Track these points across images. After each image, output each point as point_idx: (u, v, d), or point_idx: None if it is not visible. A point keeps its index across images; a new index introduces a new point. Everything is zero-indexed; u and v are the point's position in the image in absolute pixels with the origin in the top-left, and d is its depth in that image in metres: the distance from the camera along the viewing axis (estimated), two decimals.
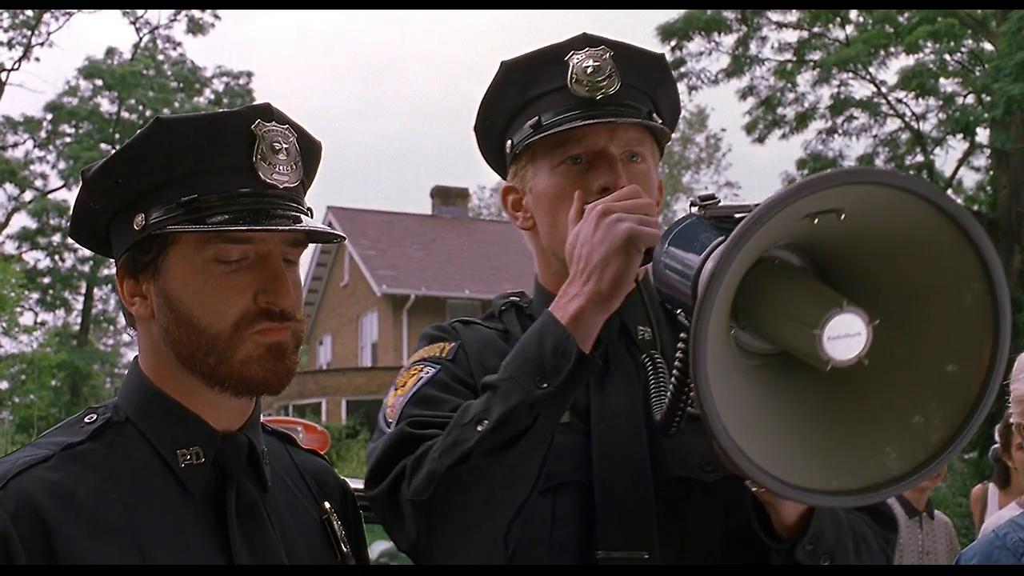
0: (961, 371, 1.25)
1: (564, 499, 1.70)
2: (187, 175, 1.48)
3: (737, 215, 1.40)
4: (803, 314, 1.22)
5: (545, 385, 1.57)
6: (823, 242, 1.29)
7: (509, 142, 1.89)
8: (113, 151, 1.54)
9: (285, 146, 1.52)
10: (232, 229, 1.46)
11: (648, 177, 1.82)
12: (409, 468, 1.61)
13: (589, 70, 1.80)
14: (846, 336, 1.18)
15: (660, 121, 1.86)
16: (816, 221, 1.18)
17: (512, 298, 1.95)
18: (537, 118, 1.82)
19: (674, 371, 1.54)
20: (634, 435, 1.73)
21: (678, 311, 1.50)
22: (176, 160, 1.49)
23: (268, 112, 1.53)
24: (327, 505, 1.68)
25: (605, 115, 1.78)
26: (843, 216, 1.18)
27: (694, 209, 1.53)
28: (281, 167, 1.51)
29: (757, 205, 1.36)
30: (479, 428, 1.56)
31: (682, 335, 1.51)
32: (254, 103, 1.57)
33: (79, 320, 35.58)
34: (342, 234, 1.61)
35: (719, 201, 1.49)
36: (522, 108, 1.85)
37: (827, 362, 1.19)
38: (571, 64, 1.81)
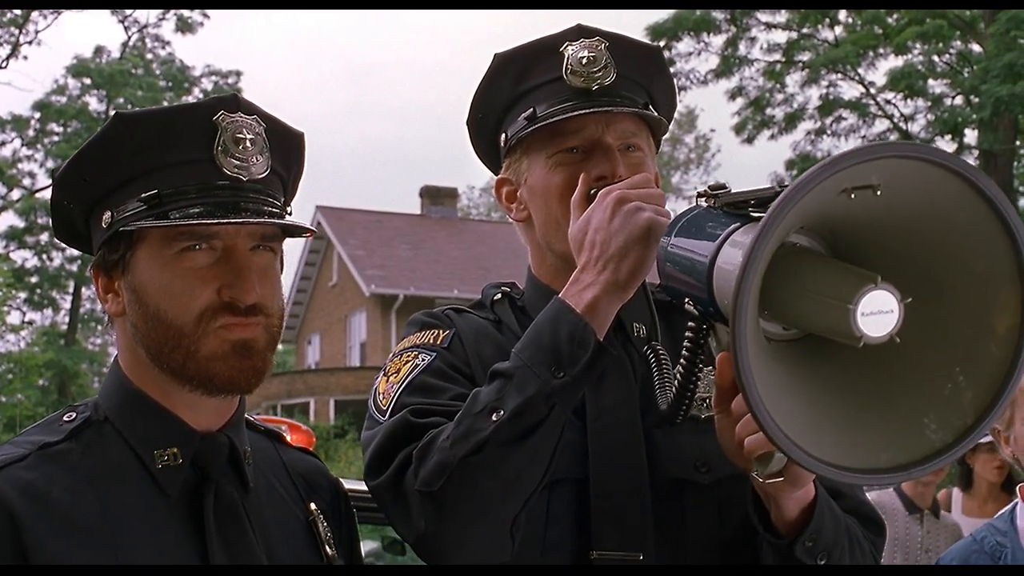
0: (992, 341, 1.24)
1: (559, 496, 1.66)
2: (148, 170, 1.46)
3: (754, 200, 1.36)
4: (836, 291, 1.19)
5: (562, 375, 1.53)
6: (841, 223, 1.27)
7: (503, 135, 1.85)
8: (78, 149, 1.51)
9: (250, 136, 1.48)
10: (190, 223, 1.43)
11: (646, 167, 1.78)
12: (416, 457, 1.56)
13: (584, 61, 1.77)
14: (879, 313, 1.16)
15: (656, 113, 1.83)
16: (853, 196, 1.16)
17: (504, 288, 1.91)
18: (532, 110, 1.78)
19: (681, 359, 1.51)
20: (630, 432, 1.70)
21: (685, 300, 1.46)
22: (136, 156, 1.46)
23: (234, 103, 1.50)
24: (313, 506, 1.65)
25: (601, 105, 1.75)
26: (879, 192, 1.16)
27: (701, 201, 1.50)
28: (245, 159, 1.47)
29: (776, 187, 1.32)
30: (494, 418, 1.51)
31: (690, 323, 1.48)
32: (221, 94, 1.54)
33: (67, 319, 35.48)
34: (310, 227, 1.57)
35: (730, 190, 1.45)
36: (516, 100, 1.82)
37: (860, 338, 1.17)
38: (566, 55, 1.78)
